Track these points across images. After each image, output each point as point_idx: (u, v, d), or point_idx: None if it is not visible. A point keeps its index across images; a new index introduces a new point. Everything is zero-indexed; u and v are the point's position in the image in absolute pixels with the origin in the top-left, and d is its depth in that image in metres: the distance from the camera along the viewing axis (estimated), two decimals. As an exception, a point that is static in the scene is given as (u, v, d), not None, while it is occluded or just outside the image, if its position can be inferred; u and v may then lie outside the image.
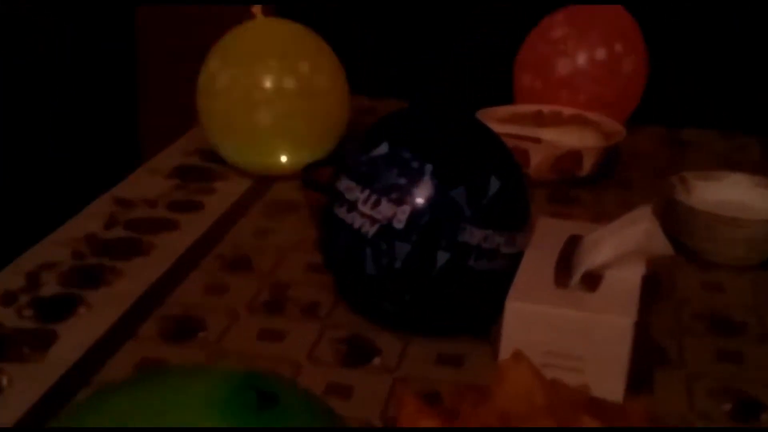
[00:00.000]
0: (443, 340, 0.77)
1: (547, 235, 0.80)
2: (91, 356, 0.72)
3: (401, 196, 0.72)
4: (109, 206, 1.01)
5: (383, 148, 0.74)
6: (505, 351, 0.70)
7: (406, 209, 0.72)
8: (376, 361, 0.75)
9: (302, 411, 0.45)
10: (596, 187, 1.09)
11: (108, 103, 1.85)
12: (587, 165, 1.07)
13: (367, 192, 0.74)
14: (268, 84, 1.04)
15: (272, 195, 1.07)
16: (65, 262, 0.87)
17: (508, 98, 1.26)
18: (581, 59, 1.20)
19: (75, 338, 0.74)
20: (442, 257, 0.72)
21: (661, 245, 0.76)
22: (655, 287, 0.83)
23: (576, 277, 0.73)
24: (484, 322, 0.75)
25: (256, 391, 0.43)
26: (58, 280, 0.83)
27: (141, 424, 0.44)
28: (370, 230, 0.73)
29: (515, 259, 0.75)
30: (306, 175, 0.97)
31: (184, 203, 1.03)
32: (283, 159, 1.08)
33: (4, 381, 0.68)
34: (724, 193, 0.96)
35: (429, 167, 0.72)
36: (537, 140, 1.10)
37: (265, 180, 1.10)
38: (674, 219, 0.92)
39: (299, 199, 1.02)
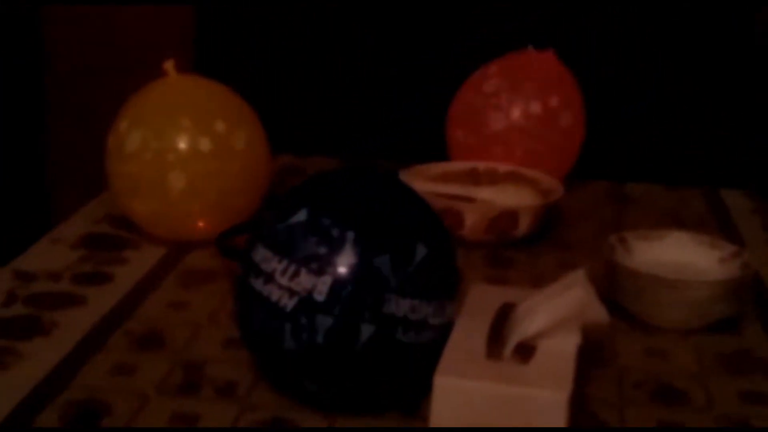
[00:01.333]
0: (371, 418, 0.76)
1: (479, 303, 0.80)
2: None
3: (322, 266, 0.72)
4: (9, 280, 0.99)
5: (302, 215, 0.74)
6: (435, 428, 0.70)
7: (327, 280, 0.72)
8: None
9: None
10: (534, 248, 1.10)
11: (8, 165, 1.83)
12: (524, 225, 1.09)
13: (285, 262, 0.73)
14: (181, 145, 1.04)
15: (187, 264, 1.07)
16: (-44, 345, 0.85)
17: (441, 155, 1.28)
18: (516, 113, 1.23)
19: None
20: (367, 330, 0.72)
21: (596, 311, 0.77)
22: (595, 354, 0.83)
23: (508, 348, 0.73)
24: (414, 398, 0.75)
25: None
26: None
27: None
28: (289, 303, 0.72)
29: (445, 330, 0.75)
30: (222, 243, 0.96)
31: (91, 275, 1.01)
32: (199, 225, 1.08)
33: None
34: (667, 253, 0.98)
35: (351, 234, 0.72)
36: (471, 200, 1.11)
37: (179, 248, 1.09)
38: (615, 281, 0.93)
39: (216, 268, 1.02)
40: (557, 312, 0.74)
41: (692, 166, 1.48)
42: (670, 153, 1.51)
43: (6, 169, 1.85)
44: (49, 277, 1.00)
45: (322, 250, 0.73)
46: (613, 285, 0.93)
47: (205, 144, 1.05)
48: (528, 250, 1.09)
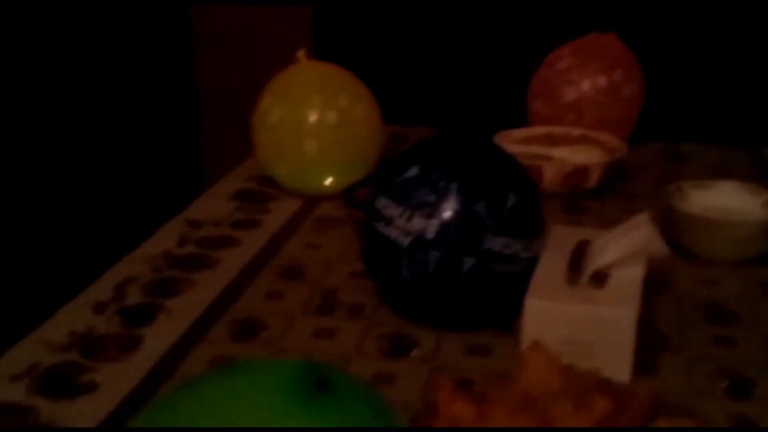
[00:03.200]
0: (472, 334, 0.77)
1: (559, 241, 0.80)
2: (170, 356, 0.73)
3: (431, 212, 0.73)
4: (181, 227, 1.02)
5: (414, 171, 0.75)
6: (525, 342, 0.70)
7: (436, 222, 0.73)
8: (415, 353, 0.75)
9: (353, 395, 0.45)
10: (602, 198, 1.08)
11: (175, 139, 1.88)
12: (593, 178, 1.07)
13: (401, 208, 0.74)
14: (312, 118, 1.05)
15: (319, 213, 1.08)
16: (146, 276, 0.88)
17: (522, 122, 1.27)
18: (585, 86, 1.20)
19: (157, 341, 0.76)
20: (468, 262, 0.73)
21: (658, 247, 0.75)
22: (657, 283, 0.82)
23: (585, 276, 0.73)
24: (507, 317, 0.76)
25: (314, 379, 0.43)
26: (140, 291, 0.85)
27: (218, 410, 0.44)
28: (405, 241, 0.73)
29: (532, 263, 0.75)
30: (347, 196, 0.98)
31: (244, 222, 1.04)
32: (328, 182, 1.09)
33: (98, 379, 0.70)
34: (716, 199, 0.96)
35: (454, 186, 0.73)
36: (549, 158, 1.10)
37: (312, 200, 1.10)
38: (673, 223, 0.92)
39: (342, 216, 1.03)
40: (626, 246, 0.73)
41: (737, 127, 1.43)
42: (718, 116, 1.47)
43: (170, 142, 1.90)
44: (212, 224, 1.03)
45: (431, 198, 0.73)
46: (671, 226, 0.91)
47: (331, 117, 1.05)
48: (598, 200, 1.08)
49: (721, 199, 0.96)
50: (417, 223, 0.73)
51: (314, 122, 1.05)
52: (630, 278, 0.72)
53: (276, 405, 0.42)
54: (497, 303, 0.76)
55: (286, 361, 0.48)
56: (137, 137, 1.86)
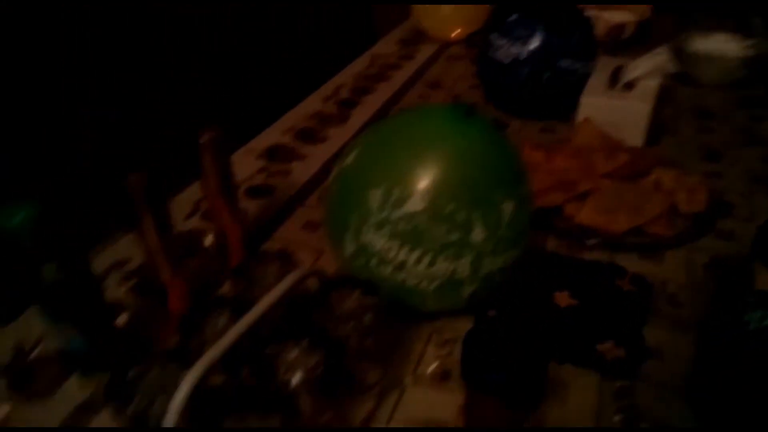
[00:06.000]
0: (544, 122, 0.82)
1: (604, 64, 0.82)
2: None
3: (524, 42, 0.78)
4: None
5: (515, 16, 0.79)
6: (580, 118, 0.75)
7: (527, 49, 0.78)
8: (508, 131, 0.80)
9: (484, 121, 0.46)
10: (634, 45, 1.08)
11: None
12: (627, 32, 1.09)
13: (505, 40, 0.79)
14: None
15: (449, 52, 1.12)
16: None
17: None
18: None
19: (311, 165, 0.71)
20: (547, 74, 0.78)
21: (672, 67, 0.80)
22: (667, 95, 0.84)
23: (620, 84, 0.77)
24: (568, 110, 0.78)
25: (464, 109, 0.44)
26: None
27: (403, 130, 0.44)
28: (507, 61, 0.79)
29: (587, 76, 0.79)
30: (470, 40, 1.04)
31: (399, 63, 1.06)
32: (456, 32, 1.13)
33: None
34: (712, 44, 0.95)
35: (540, 25, 0.77)
36: (598, 17, 1.10)
37: (445, 45, 1.14)
38: (682, 58, 0.94)
39: (465, 54, 1.08)
40: (648, 66, 0.77)
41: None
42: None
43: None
44: (386, 57, 1.05)
45: (525, 33, 0.77)
46: (680, 59, 0.93)
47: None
48: (631, 47, 1.06)
49: (716, 44, 0.95)
50: (515, 49, 0.79)
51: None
52: (649, 87, 0.76)
53: (444, 121, 0.44)
54: (563, 101, 0.80)
55: (440, 103, 0.51)
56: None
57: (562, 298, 0.53)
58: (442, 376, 0.45)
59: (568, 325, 0.49)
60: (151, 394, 0.30)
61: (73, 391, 0.42)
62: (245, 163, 0.74)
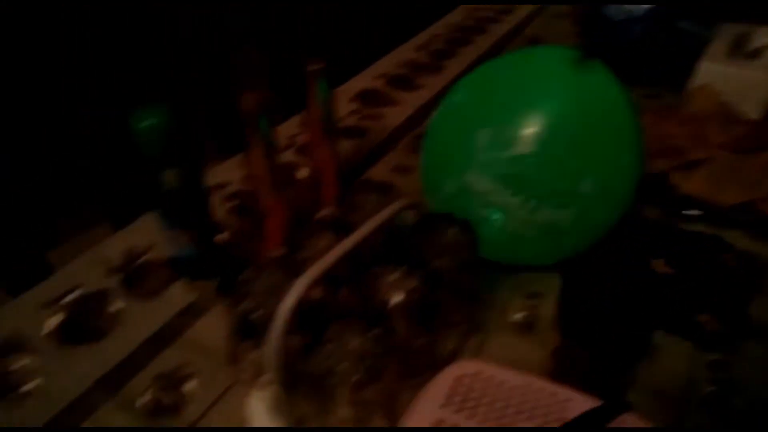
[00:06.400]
0: (650, 88, 0.79)
1: (728, 30, 0.79)
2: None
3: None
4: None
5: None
6: (697, 84, 0.71)
7: (642, 10, 0.76)
8: None
9: (601, 66, 0.45)
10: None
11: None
12: None
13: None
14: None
15: (551, 10, 1.09)
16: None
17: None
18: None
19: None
20: (662, 36, 0.76)
21: None
22: None
23: (744, 52, 0.74)
24: (682, 78, 0.74)
25: (580, 53, 0.45)
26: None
27: (519, 69, 0.44)
28: (618, 16, 0.77)
29: (707, 41, 0.76)
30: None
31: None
32: None
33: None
34: None
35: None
36: None
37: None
38: None
39: (569, 11, 1.04)
40: None
41: None
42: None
43: None
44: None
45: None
46: None
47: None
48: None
49: None
50: (629, 7, 0.76)
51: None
52: (774, 56, 0.71)
53: (564, 64, 0.45)
54: (676, 66, 0.76)
55: (560, 45, 0.48)
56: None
57: (658, 266, 0.51)
58: (527, 327, 0.44)
59: (666, 292, 0.47)
60: (260, 296, 0.31)
61: (180, 294, 0.44)
62: (337, 105, 0.74)
